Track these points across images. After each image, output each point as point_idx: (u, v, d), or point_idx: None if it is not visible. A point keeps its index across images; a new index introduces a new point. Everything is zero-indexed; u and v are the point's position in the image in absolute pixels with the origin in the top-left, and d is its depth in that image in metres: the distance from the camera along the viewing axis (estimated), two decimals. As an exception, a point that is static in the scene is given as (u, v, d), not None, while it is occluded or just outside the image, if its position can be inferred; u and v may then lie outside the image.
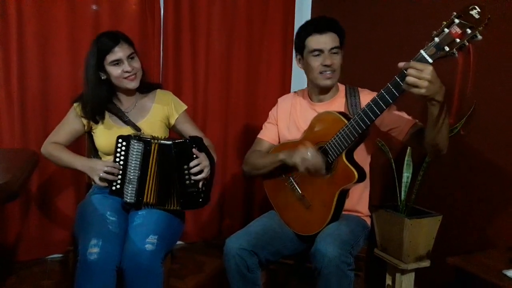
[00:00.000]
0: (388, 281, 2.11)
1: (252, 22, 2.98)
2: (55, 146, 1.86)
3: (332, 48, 1.69)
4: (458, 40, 1.22)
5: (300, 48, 1.76)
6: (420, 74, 1.27)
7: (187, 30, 2.79)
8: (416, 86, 1.28)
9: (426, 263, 1.99)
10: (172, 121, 1.95)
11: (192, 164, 1.70)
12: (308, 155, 1.58)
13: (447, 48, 1.24)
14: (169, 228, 1.71)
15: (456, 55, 1.25)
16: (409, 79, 1.28)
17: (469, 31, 1.20)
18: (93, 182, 1.82)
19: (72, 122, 1.89)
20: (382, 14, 2.48)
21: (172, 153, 1.70)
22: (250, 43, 3.00)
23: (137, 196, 1.74)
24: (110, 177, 1.72)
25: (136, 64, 1.81)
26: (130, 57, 1.79)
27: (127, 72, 1.78)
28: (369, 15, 2.59)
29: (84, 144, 2.04)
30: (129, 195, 1.74)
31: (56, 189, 2.62)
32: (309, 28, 1.72)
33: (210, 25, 2.87)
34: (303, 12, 3.12)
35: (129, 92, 1.89)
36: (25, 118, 2.49)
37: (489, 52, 1.86)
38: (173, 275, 2.44)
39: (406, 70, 1.30)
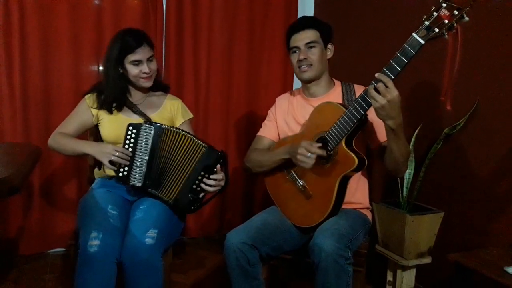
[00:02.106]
0: (389, 277, 2.11)
1: (254, 19, 2.98)
2: (62, 135, 1.86)
3: (307, 43, 1.77)
4: (446, 21, 1.30)
5: (288, 49, 1.87)
6: (384, 91, 1.39)
7: (189, 26, 2.79)
8: (374, 98, 1.41)
9: (427, 260, 1.99)
10: (177, 125, 1.97)
11: (213, 177, 1.71)
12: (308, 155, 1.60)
13: (437, 29, 1.32)
14: (170, 223, 1.72)
15: (446, 35, 1.32)
16: (371, 92, 1.42)
17: (456, 12, 1.27)
18: (96, 170, 1.82)
19: (81, 114, 1.90)
20: (383, 12, 2.47)
21: (199, 154, 1.71)
22: (252, 40, 2.99)
23: (145, 180, 1.75)
24: (121, 161, 1.71)
25: (154, 66, 1.87)
26: (149, 59, 1.84)
27: (144, 73, 1.82)
28: (370, 13, 2.58)
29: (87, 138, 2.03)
30: (137, 178, 1.74)
31: (58, 183, 2.63)
32: (290, 29, 1.83)
33: (212, 21, 2.87)
34: (305, 9, 3.11)
35: (142, 89, 1.93)
36: (27, 112, 2.50)
37: (492, 50, 1.85)
38: (174, 270, 2.44)
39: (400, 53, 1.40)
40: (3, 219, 2.53)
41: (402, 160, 1.59)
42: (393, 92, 1.40)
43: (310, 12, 3.11)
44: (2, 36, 2.41)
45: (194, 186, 1.72)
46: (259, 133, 1.98)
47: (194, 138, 1.74)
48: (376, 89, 1.42)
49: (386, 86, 1.40)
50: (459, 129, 1.95)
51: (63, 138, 1.84)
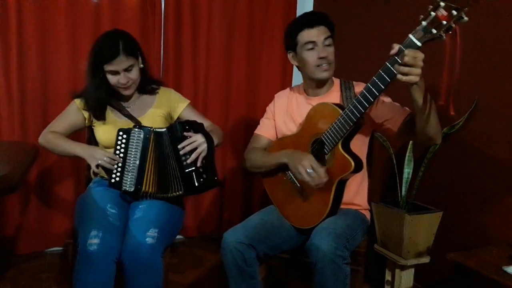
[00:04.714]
0: (388, 276, 2.11)
1: (253, 16, 2.97)
2: (54, 134, 1.86)
3: (325, 39, 1.70)
4: (444, 22, 1.22)
5: (292, 45, 1.76)
6: (415, 62, 1.27)
7: (188, 23, 2.78)
8: (410, 74, 1.29)
9: (426, 259, 1.99)
10: (175, 116, 1.97)
11: (184, 143, 1.72)
12: (308, 171, 1.57)
13: (434, 31, 1.25)
14: (170, 221, 1.71)
15: (444, 37, 1.25)
16: (403, 69, 1.29)
17: (454, 12, 1.20)
18: (92, 175, 1.83)
19: (72, 115, 1.90)
20: (383, 11, 2.46)
21: (167, 138, 1.75)
22: (251, 36, 2.98)
23: (136, 185, 1.75)
24: (108, 166, 1.73)
25: (133, 75, 1.80)
26: (127, 70, 1.78)
27: (121, 83, 1.79)
28: (370, 11, 2.57)
29: (83, 137, 2.03)
30: (128, 183, 1.75)
31: (56, 182, 2.62)
32: (299, 24, 1.73)
33: (211, 18, 2.86)
34: (305, 4, 3.11)
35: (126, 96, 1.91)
36: (24, 110, 2.48)
37: (492, 48, 1.85)
38: (172, 269, 2.44)
39: (397, 56, 1.32)
40: (0, 218, 2.51)
41: (437, 120, 1.48)
42: (421, 55, 1.29)
43: (309, 8, 3.11)
44: (0, 34, 2.39)
45: (184, 163, 1.73)
46: (256, 131, 1.96)
47: (158, 129, 1.76)
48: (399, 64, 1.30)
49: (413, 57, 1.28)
50: (457, 128, 1.95)
51: (55, 138, 1.84)
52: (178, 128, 1.75)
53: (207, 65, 2.89)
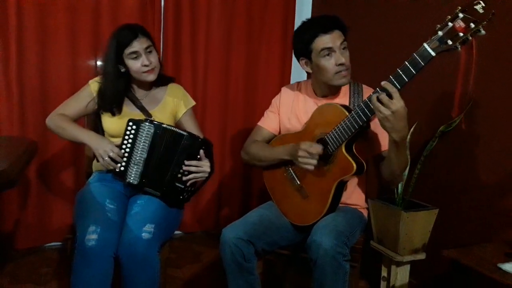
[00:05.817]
0: (384, 273, 2.12)
1: (252, 14, 2.97)
2: (62, 117, 1.83)
3: (341, 44, 1.64)
4: (461, 34, 1.22)
5: (306, 52, 1.69)
6: (388, 103, 1.36)
7: (187, 20, 2.78)
8: (378, 109, 1.38)
9: (421, 256, 2.00)
10: (180, 114, 1.97)
11: (193, 162, 1.73)
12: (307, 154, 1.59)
13: (450, 42, 1.24)
14: (167, 217, 1.72)
15: (459, 49, 1.25)
16: (374, 102, 1.39)
17: (472, 25, 1.20)
18: (95, 162, 1.83)
19: (85, 99, 1.87)
20: (384, 10, 2.46)
21: (181, 143, 1.73)
22: (250, 33, 2.98)
23: (141, 178, 1.75)
24: (112, 163, 1.72)
25: (153, 58, 1.82)
26: (147, 51, 1.80)
27: (145, 66, 1.79)
28: (371, 10, 2.57)
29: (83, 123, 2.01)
30: (133, 176, 1.75)
31: (55, 177, 2.62)
32: (314, 30, 1.65)
33: (210, 15, 2.86)
34: (303, 2, 3.11)
35: (144, 86, 1.91)
36: (23, 106, 2.49)
37: (489, 47, 1.85)
38: (170, 264, 2.45)
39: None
40: (-1, 213, 2.53)
41: (398, 173, 1.59)
42: (398, 103, 1.34)
43: (308, 5, 3.11)
44: (-1, 30, 2.39)
45: (180, 175, 1.74)
46: (259, 123, 1.93)
47: (177, 130, 1.76)
48: (379, 99, 1.37)
49: (391, 97, 1.35)
50: (454, 126, 1.96)
51: (64, 122, 1.81)
52: (197, 144, 1.75)
53: (206, 62, 2.89)
